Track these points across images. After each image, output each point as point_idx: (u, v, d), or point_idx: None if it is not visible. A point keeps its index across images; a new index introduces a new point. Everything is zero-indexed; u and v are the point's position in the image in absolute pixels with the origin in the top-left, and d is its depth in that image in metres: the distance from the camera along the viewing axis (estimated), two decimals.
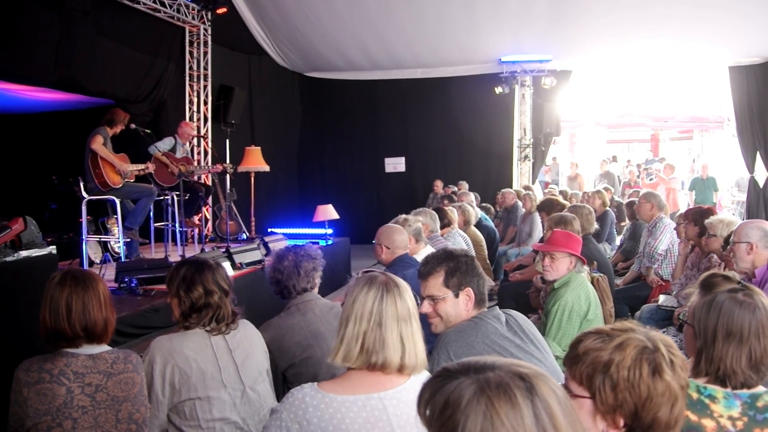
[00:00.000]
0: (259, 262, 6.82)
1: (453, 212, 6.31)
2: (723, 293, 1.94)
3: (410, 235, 4.32)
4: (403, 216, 4.63)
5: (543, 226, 6.65)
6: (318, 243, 8.13)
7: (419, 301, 2.57)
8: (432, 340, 2.54)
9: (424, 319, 2.63)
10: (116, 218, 6.53)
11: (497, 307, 2.54)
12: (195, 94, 9.72)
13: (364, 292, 1.86)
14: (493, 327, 2.40)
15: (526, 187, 10.51)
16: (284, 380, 2.95)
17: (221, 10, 9.56)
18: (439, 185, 12.29)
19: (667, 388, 1.41)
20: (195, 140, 9.27)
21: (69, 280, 2.38)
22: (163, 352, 2.52)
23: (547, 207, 6.54)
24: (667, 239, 5.82)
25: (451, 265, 2.46)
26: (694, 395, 1.85)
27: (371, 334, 1.81)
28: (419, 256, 4.16)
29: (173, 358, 2.50)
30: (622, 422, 1.43)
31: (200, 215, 8.43)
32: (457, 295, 2.44)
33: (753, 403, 1.82)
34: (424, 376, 1.88)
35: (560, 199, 7.52)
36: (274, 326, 3.00)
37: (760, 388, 1.87)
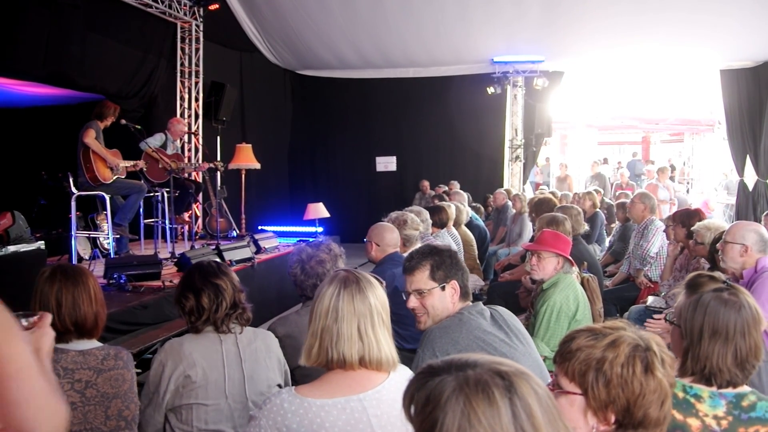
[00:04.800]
0: (249, 259, 6.82)
1: (450, 209, 6.31)
2: (709, 293, 1.96)
3: (401, 237, 4.30)
4: (408, 216, 4.53)
5: (533, 226, 6.65)
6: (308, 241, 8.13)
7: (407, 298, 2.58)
8: (418, 337, 2.55)
9: (411, 319, 2.64)
10: (106, 214, 6.51)
11: (480, 303, 2.56)
12: (186, 90, 9.69)
13: (324, 290, 1.87)
14: (477, 322, 2.41)
15: (508, 191, 10.52)
16: (292, 377, 2.85)
17: (213, 7, 9.54)
18: (426, 185, 12.30)
19: (658, 386, 1.43)
20: (186, 137, 9.25)
21: (59, 274, 2.38)
22: (174, 355, 2.46)
23: (537, 207, 6.53)
24: (659, 242, 5.85)
25: (437, 259, 2.50)
26: (680, 394, 1.87)
27: (327, 331, 1.81)
28: None
29: (183, 363, 2.44)
30: (613, 418, 1.44)
31: (190, 212, 8.40)
32: (443, 288, 2.47)
33: (738, 403, 1.84)
34: (403, 374, 1.88)
35: (553, 198, 7.56)
36: (291, 322, 2.94)
37: (745, 388, 1.89)
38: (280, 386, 2.67)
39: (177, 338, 2.55)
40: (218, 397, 2.47)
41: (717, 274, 2.32)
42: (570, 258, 3.75)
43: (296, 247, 3.19)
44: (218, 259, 6.33)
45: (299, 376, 2.84)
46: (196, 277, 2.57)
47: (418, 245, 4.54)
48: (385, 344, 1.85)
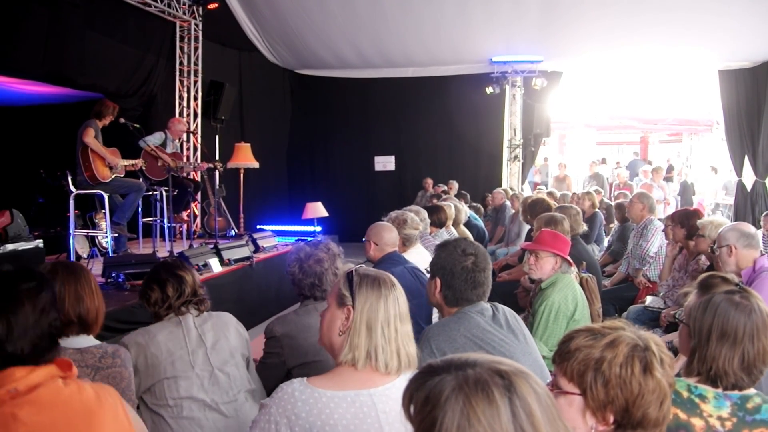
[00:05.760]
0: (248, 258, 6.81)
1: (450, 209, 6.29)
2: (720, 294, 1.95)
3: (401, 237, 4.29)
4: (407, 216, 4.52)
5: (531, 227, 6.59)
6: (306, 240, 8.14)
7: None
8: (416, 336, 2.57)
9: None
10: (104, 213, 6.50)
11: (482, 302, 2.57)
12: (185, 89, 9.68)
13: (374, 297, 1.86)
14: (476, 321, 2.45)
15: (506, 191, 10.54)
16: (289, 376, 2.86)
17: (212, 6, 9.54)
18: (429, 183, 12.30)
19: (657, 386, 1.43)
20: (185, 136, 9.25)
21: (60, 269, 2.39)
22: (138, 341, 2.65)
23: (531, 208, 6.43)
24: (658, 241, 5.85)
25: (436, 253, 2.65)
26: (684, 394, 1.86)
27: (383, 343, 1.83)
28: (407, 256, 4.17)
29: (147, 348, 2.64)
30: (611, 419, 1.44)
31: (189, 211, 8.40)
32: (432, 278, 2.62)
33: (743, 405, 1.83)
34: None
35: (548, 199, 7.53)
36: (290, 322, 2.94)
37: (751, 390, 1.88)
38: (243, 355, 2.88)
39: (140, 329, 2.74)
40: (186, 369, 2.67)
41: (730, 275, 2.31)
42: (568, 258, 3.75)
43: (294, 246, 3.18)
44: (216, 259, 6.36)
45: (298, 375, 2.83)
46: (161, 271, 2.80)
47: (418, 245, 4.57)
48: (412, 349, 1.90)
